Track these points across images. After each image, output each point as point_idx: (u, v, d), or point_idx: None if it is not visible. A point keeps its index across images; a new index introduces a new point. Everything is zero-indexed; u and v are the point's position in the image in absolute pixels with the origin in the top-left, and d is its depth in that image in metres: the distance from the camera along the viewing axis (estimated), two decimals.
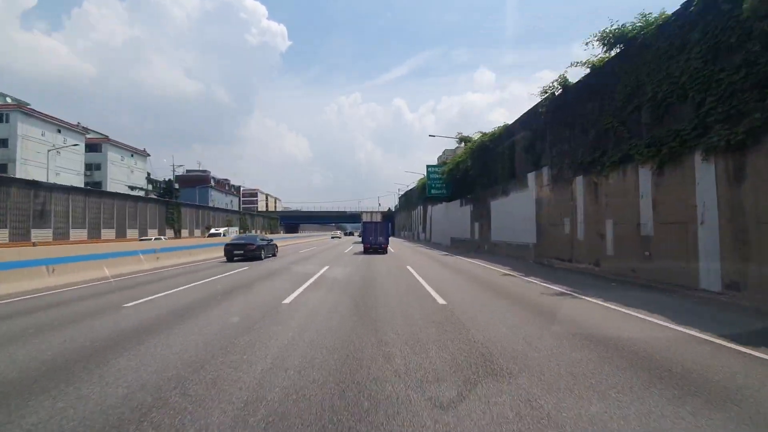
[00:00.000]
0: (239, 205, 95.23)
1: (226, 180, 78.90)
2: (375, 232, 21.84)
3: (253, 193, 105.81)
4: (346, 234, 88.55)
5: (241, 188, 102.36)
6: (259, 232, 63.69)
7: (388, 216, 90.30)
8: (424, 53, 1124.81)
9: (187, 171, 70.28)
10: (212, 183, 69.00)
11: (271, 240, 20.15)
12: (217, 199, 71.59)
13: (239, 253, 16.47)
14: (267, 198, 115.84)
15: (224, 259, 16.83)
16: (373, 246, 21.72)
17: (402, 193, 77.07)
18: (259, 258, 16.84)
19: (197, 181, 67.07)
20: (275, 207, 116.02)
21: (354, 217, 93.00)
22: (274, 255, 19.19)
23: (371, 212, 33.06)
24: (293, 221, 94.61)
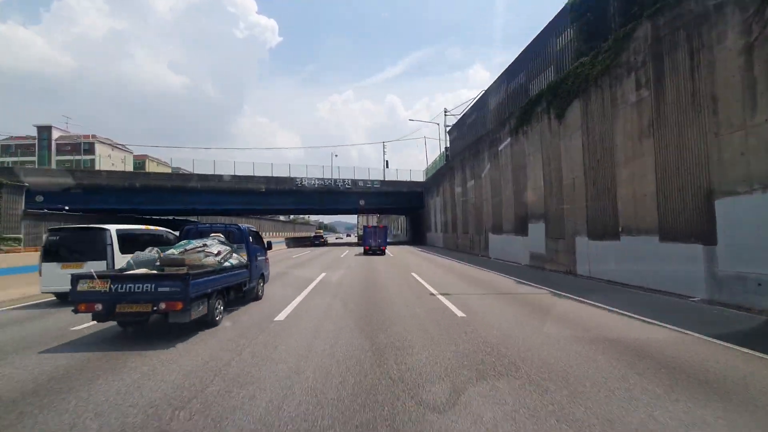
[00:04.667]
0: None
1: None
2: (374, 237, 24.38)
3: (78, 143, 50.61)
4: (316, 243, 45.58)
5: (53, 130, 49.40)
6: None
7: (409, 196, 42.11)
8: (419, 51, 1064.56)
9: None
10: None
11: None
12: None
13: (317, 242, 46.08)
14: (134, 159, 62.31)
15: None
16: (372, 248, 24.08)
17: (470, 105, 28.08)
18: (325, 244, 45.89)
19: None
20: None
21: (325, 195, 38.17)
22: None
23: (366, 215, 39.04)
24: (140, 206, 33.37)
